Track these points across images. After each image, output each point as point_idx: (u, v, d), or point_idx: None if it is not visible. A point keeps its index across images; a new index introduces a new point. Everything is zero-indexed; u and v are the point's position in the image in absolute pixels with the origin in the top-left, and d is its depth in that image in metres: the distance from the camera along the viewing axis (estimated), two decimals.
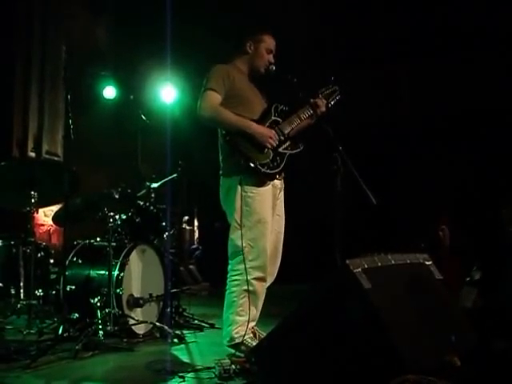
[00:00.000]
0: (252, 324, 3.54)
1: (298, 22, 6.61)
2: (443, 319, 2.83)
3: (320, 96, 3.76)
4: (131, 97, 6.34)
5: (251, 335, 3.49)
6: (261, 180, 3.51)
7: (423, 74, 7.01)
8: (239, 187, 3.48)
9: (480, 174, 6.46)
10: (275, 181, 3.59)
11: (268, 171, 3.49)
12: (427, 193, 6.72)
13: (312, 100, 3.68)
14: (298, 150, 3.67)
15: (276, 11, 6.43)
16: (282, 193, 3.74)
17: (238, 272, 3.49)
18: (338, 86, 3.83)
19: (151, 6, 6.59)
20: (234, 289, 3.50)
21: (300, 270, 6.74)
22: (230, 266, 3.58)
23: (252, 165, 3.45)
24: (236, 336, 3.43)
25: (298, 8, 6.58)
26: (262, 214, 3.50)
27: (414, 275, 2.87)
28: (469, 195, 6.50)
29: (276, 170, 3.53)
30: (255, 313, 3.54)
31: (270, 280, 3.68)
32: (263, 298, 3.61)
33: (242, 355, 3.34)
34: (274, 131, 3.55)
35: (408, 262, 2.90)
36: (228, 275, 3.57)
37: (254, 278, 3.47)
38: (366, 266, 2.54)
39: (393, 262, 2.78)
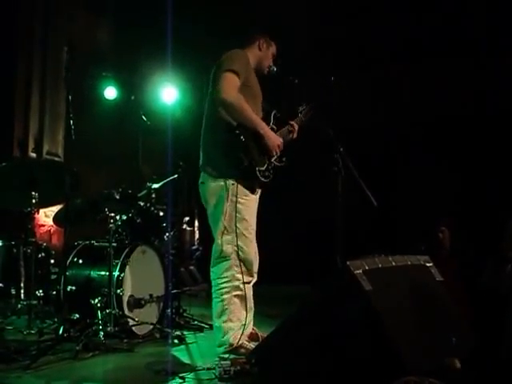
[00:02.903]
0: (250, 326, 3.52)
1: (299, 22, 6.61)
2: (444, 321, 2.83)
3: (300, 115, 3.75)
4: (132, 97, 6.35)
5: (246, 338, 3.46)
6: (253, 187, 3.44)
7: (426, 75, 6.99)
8: (231, 191, 3.37)
9: (481, 176, 6.45)
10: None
11: (263, 179, 3.43)
12: (428, 194, 6.71)
13: (291, 122, 3.69)
14: (282, 163, 3.61)
15: (276, 11, 6.43)
16: None
17: (227, 279, 3.41)
18: (313, 103, 3.79)
19: (152, 7, 6.59)
20: (225, 296, 3.41)
21: (301, 271, 6.74)
22: (213, 274, 3.49)
23: (253, 168, 3.34)
24: (234, 342, 3.37)
25: (298, 8, 6.57)
26: (250, 221, 3.47)
27: (414, 277, 2.87)
28: (470, 197, 6.49)
29: (267, 180, 3.47)
30: (248, 315, 3.46)
31: (254, 280, 3.65)
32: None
33: (243, 357, 3.28)
34: (281, 140, 3.49)
35: (409, 263, 2.91)
36: (213, 283, 3.48)
37: (244, 283, 3.44)
38: (366, 268, 2.55)
39: (393, 263, 2.78)
